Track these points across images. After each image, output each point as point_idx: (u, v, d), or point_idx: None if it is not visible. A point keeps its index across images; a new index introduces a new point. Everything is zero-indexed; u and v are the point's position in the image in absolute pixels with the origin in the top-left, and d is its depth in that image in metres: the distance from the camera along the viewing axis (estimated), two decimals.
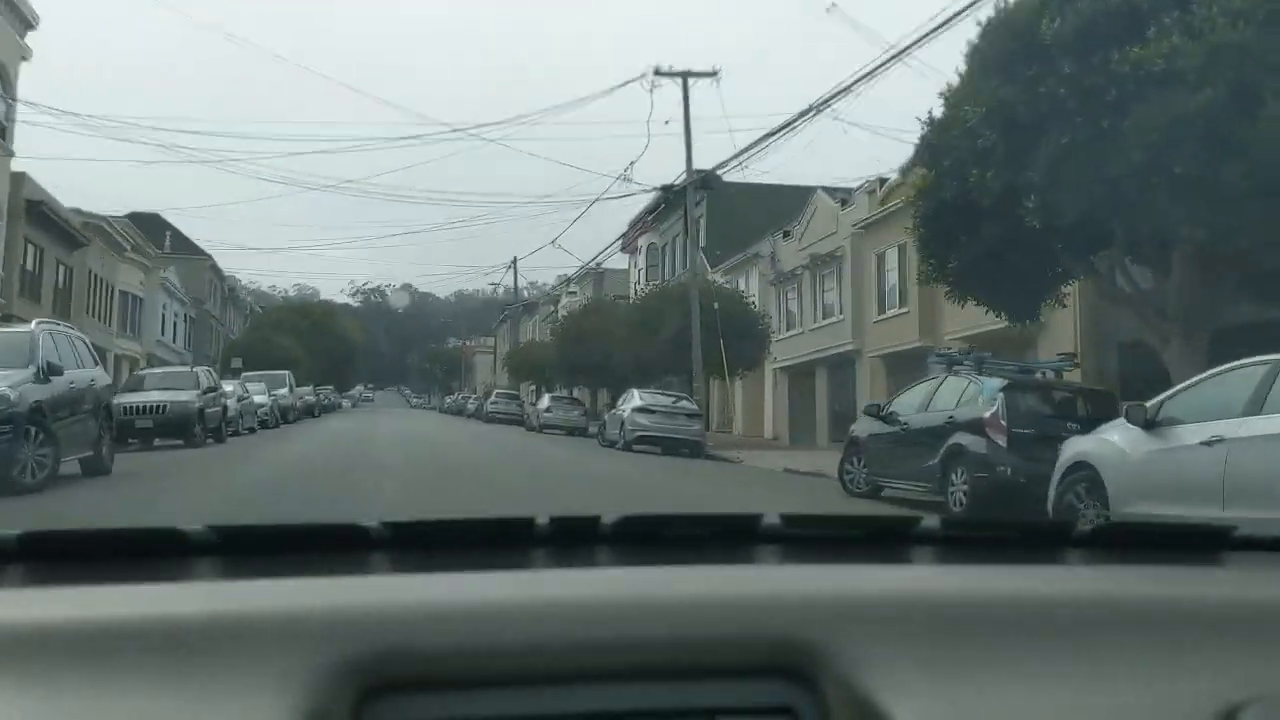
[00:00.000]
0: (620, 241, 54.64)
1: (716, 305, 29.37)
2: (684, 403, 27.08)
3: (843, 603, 0.95)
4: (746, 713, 0.88)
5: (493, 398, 49.66)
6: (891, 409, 14.27)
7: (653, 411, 25.93)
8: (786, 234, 36.33)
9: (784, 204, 37.44)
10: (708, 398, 36.67)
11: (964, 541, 1.22)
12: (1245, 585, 1.11)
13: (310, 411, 47.42)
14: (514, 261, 61.38)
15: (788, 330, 34.38)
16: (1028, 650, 0.92)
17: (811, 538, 1.20)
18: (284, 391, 39.29)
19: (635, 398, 26.76)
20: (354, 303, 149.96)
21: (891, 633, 0.92)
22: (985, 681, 0.89)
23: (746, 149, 26.55)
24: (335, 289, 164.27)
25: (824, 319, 32.75)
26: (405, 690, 0.85)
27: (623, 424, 26.12)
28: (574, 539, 1.14)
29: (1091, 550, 1.20)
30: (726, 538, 1.20)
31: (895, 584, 1.03)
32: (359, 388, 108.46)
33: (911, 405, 13.83)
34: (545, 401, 39.22)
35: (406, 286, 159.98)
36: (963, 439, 12.21)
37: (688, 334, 29.62)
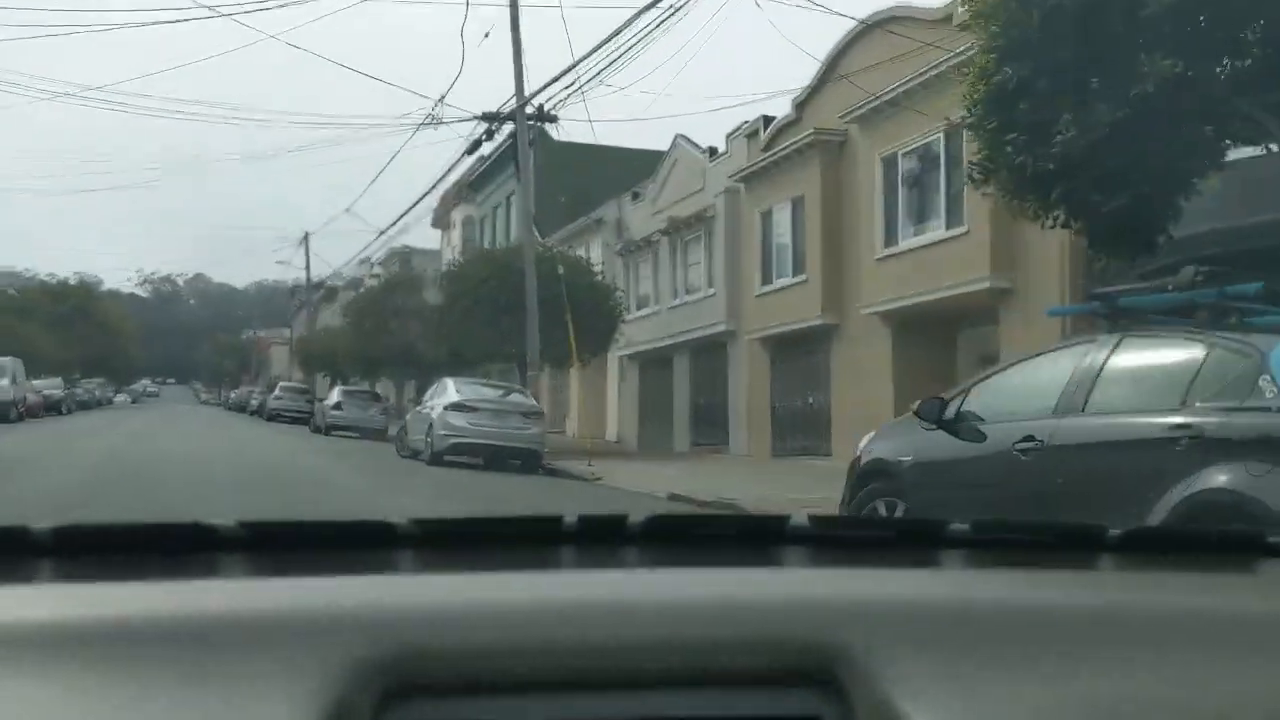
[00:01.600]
0: (431, 210, 47.28)
1: (562, 271, 22.82)
2: (516, 397, 20.39)
3: (873, 607, 0.93)
4: None
5: (276, 392, 41.62)
6: (970, 408, 6.68)
7: (473, 409, 19.14)
8: (636, 196, 30.09)
9: (628, 168, 31.22)
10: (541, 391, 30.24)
11: (997, 545, 1.18)
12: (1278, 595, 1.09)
13: (57, 407, 40.48)
14: (305, 238, 53.10)
15: (638, 310, 28.14)
16: (1059, 658, 0.89)
17: (841, 539, 1.19)
18: (4, 383, 32.15)
19: (449, 390, 19.90)
20: (142, 292, 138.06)
21: (922, 639, 0.89)
22: (1016, 690, 0.86)
23: (585, 62, 19.98)
24: (123, 279, 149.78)
25: (687, 295, 26.62)
26: (429, 692, 0.83)
27: (431, 426, 19.26)
28: (601, 538, 1.12)
29: (1124, 555, 1.17)
30: (755, 539, 1.18)
31: (926, 589, 1.00)
32: (144, 382, 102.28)
33: (1035, 399, 6.41)
34: (334, 396, 31.72)
35: (199, 276, 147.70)
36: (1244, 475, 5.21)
37: (518, 310, 22.96)
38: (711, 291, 25.30)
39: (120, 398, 74.02)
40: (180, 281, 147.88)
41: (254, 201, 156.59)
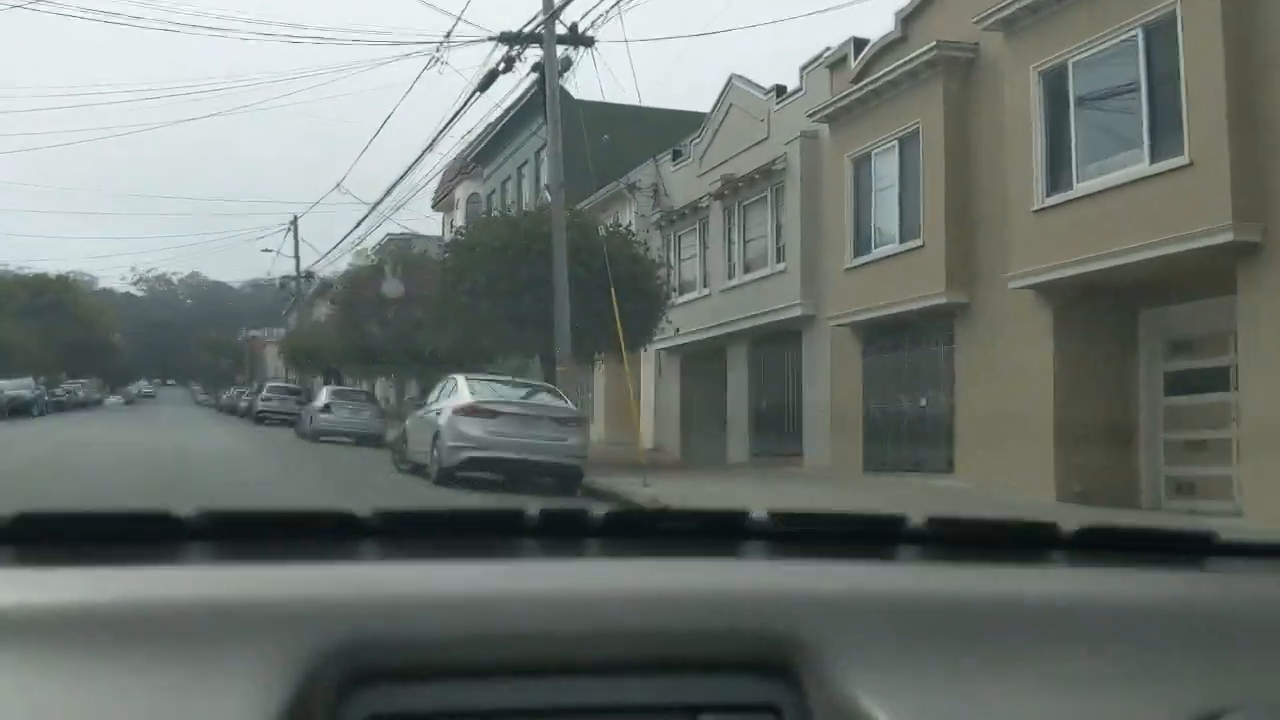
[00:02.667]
0: (434, 195, 42.50)
1: (604, 234, 18.06)
2: (546, 398, 15.56)
3: (829, 600, 0.94)
4: (731, 709, 0.88)
5: (264, 393, 37.04)
6: None
7: (493, 414, 14.34)
8: (678, 154, 25.22)
9: (664, 132, 26.35)
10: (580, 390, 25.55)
11: (952, 540, 1.19)
12: (1229, 590, 1.11)
13: (26, 409, 36.66)
14: (294, 222, 48.23)
15: (680, 295, 23.29)
16: (1012, 651, 0.91)
17: (800, 534, 1.18)
18: None
19: (461, 389, 15.09)
20: (138, 291, 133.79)
21: (877, 631, 0.91)
22: (969, 682, 0.88)
23: None
24: (117, 277, 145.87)
25: (746, 273, 21.75)
26: (390, 679, 0.83)
27: (438, 435, 14.46)
28: (562, 530, 1.13)
29: (1077, 551, 1.19)
30: (715, 532, 1.18)
31: (882, 582, 1.02)
32: (140, 383, 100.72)
33: None
34: (323, 398, 26.90)
35: (194, 274, 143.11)
36: None
37: (543, 289, 18.14)
38: (780, 267, 20.44)
39: (112, 399, 71.25)
40: (175, 279, 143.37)
41: (249, 184, 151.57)
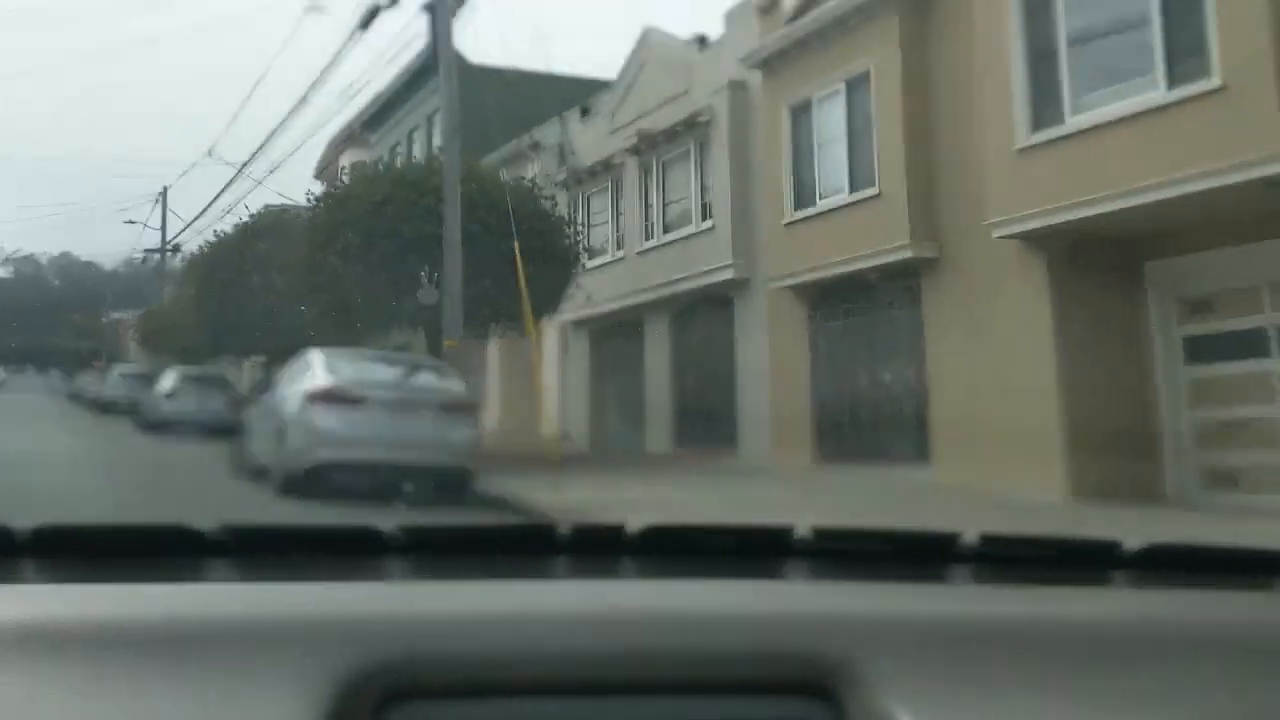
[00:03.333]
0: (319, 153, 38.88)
1: (508, 191, 15.08)
2: (429, 378, 12.48)
3: (872, 622, 0.91)
4: None
5: (111, 379, 32.89)
6: None
7: (355, 400, 11.23)
8: (586, 112, 22.26)
9: (567, 101, 23.31)
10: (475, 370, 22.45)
11: (1001, 560, 1.15)
12: None
13: None
14: (164, 193, 43.84)
15: (590, 259, 20.34)
16: (1061, 677, 0.88)
17: (843, 552, 1.15)
18: None
19: (314, 368, 11.91)
20: (4, 272, 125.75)
21: (920, 654, 0.88)
22: (1015, 709, 0.85)
23: None
24: None
25: (666, 233, 18.92)
26: (423, 696, 0.83)
27: (283, 431, 11.32)
28: (597, 548, 1.11)
29: (1134, 572, 1.14)
30: (756, 551, 1.15)
31: (927, 604, 0.99)
32: None
33: None
34: (168, 382, 23.28)
35: (64, 255, 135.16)
36: None
37: (430, 248, 15.06)
38: (707, 224, 17.65)
39: None
40: (44, 260, 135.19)
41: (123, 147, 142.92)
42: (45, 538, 0.99)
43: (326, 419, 11.07)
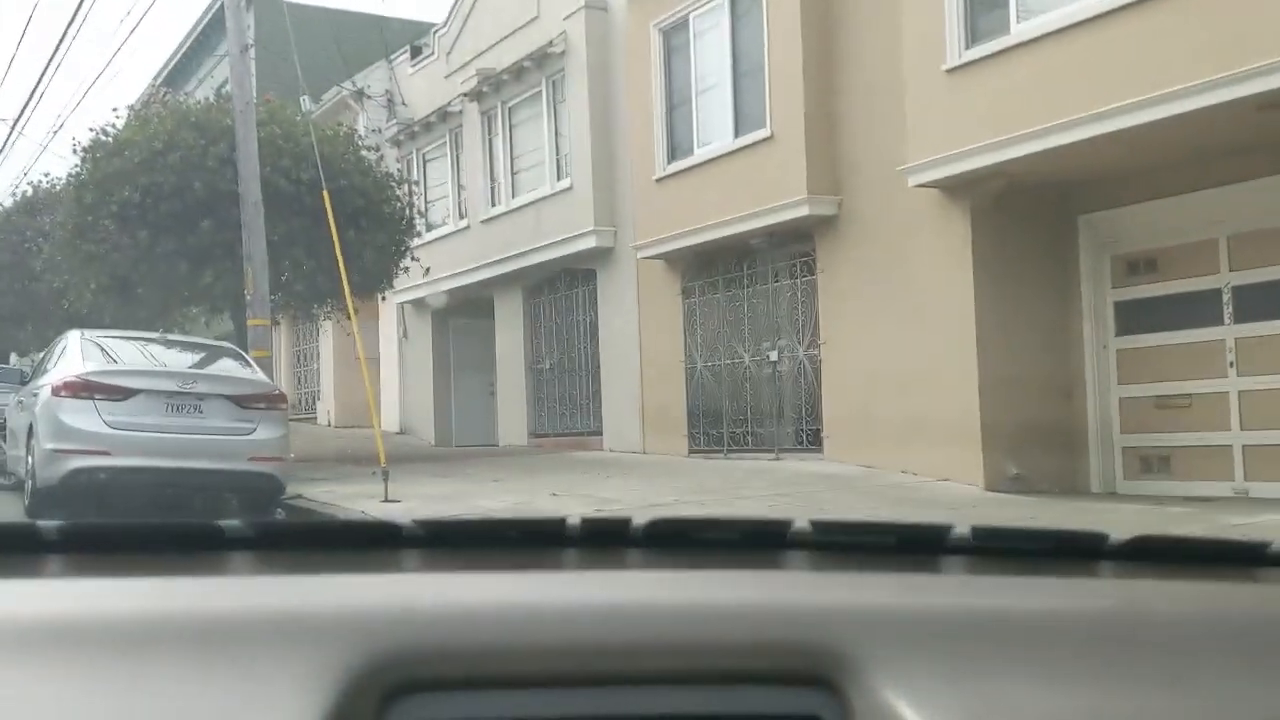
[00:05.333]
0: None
1: (320, 133, 12.61)
2: (224, 366, 9.90)
3: (873, 612, 0.93)
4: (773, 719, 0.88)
5: None
6: None
7: (124, 394, 8.66)
8: (418, 52, 19.63)
9: (395, 42, 20.67)
10: (277, 357, 19.75)
11: (998, 551, 1.16)
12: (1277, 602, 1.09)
13: None
14: None
15: (429, 230, 17.81)
16: (1059, 665, 0.89)
17: (843, 544, 1.16)
18: None
19: (71, 353, 9.24)
20: None
21: (919, 644, 0.89)
22: (1015, 697, 0.86)
23: None
24: None
25: (516, 196, 16.56)
26: (432, 689, 0.84)
27: (32, 432, 8.67)
28: (604, 540, 1.12)
29: (1126, 563, 1.14)
30: (757, 542, 1.16)
31: (927, 594, 1.00)
32: None
33: None
34: None
35: None
36: None
37: (227, 208, 12.39)
38: (564, 184, 15.36)
39: None
40: None
41: None
42: (71, 536, 1.02)
43: (78, 417, 8.46)
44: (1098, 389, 10.26)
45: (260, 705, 0.78)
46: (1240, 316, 9.35)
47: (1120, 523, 7.68)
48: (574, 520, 1.08)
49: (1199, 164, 9.05)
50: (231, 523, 1.03)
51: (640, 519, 1.08)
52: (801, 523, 1.11)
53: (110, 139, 13.74)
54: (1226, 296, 9.48)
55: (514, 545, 1.11)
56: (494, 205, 16.92)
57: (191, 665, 0.81)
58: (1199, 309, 9.66)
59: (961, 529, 1.12)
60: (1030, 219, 10.19)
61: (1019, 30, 9.25)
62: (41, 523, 1.00)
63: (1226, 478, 9.41)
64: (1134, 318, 10.19)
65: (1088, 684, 0.88)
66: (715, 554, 1.11)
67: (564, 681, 0.84)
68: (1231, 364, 9.42)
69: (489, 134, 17.06)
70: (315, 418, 22.60)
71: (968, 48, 9.64)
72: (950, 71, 9.73)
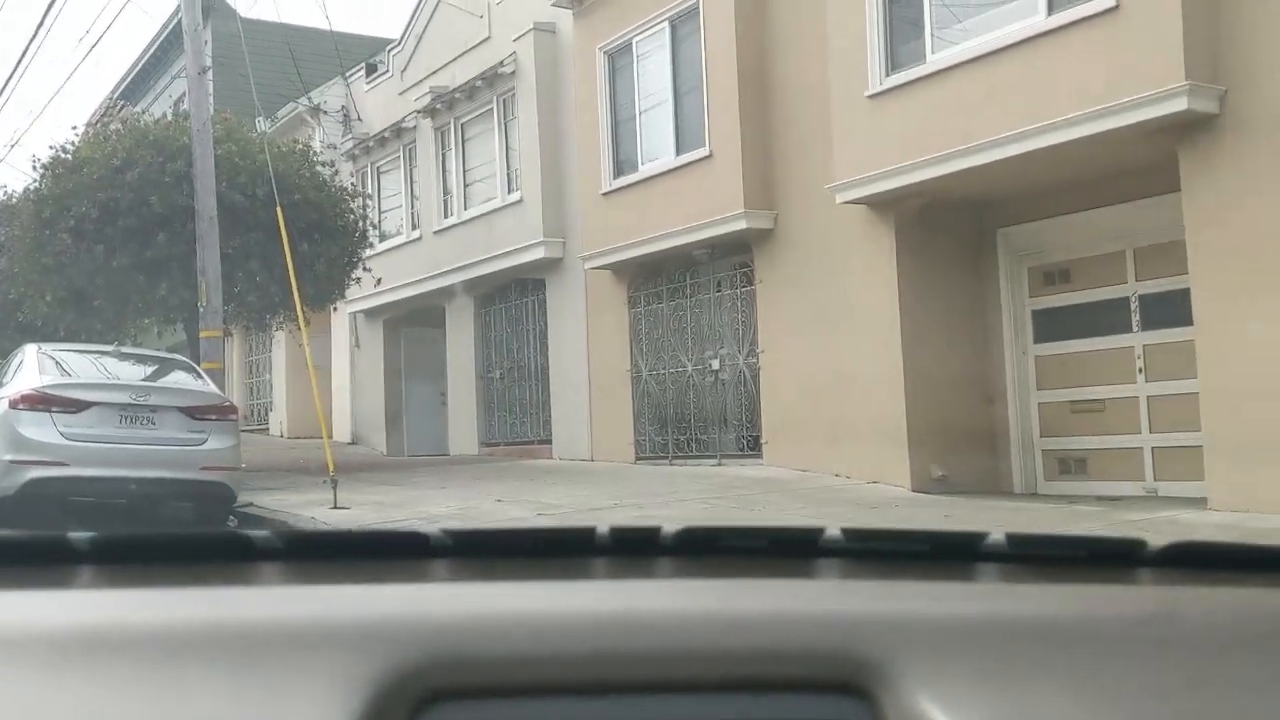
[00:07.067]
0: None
1: (276, 149, 12.89)
2: (177, 378, 10.20)
3: (905, 621, 0.92)
4: None
5: None
6: None
7: (80, 406, 8.95)
8: (373, 69, 19.99)
9: (352, 60, 20.95)
10: (230, 368, 20.03)
11: (1032, 559, 1.14)
12: None
13: None
14: None
15: (382, 240, 18.15)
16: (1094, 674, 0.87)
17: (874, 551, 1.15)
18: None
19: (28, 367, 9.49)
20: None
21: (952, 652, 0.88)
22: (1049, 706, 0.85)
23: None
24: None
25: (468, 208, 16.94)
26: (461, 698, 0.83)
27: None
28: (633, 549, 1.11)
29: (1165, 570, 1.12)
30: (787, 551, 1.15)
31: (960, 602, 0.99)
32: None
33: None
34: None
35: None
36: None
37: (183, 223, 12.68)
38: (515, 197, 15.77)
39: None
40: None
41: None
42: (102, 546, 1.02)
43: (36, 429, 8.74)
44: (1018, 394, 10.80)
45: (291, 716, 0.79)
46: (1147, 324, 9.92)
47: (1034, 522, 8.20)
48: (603, 529, 1.09)
49: (1105, 182, 9.61)
50: (260, 533, 1.04)
51: (670, 527, 1.09)
52: (833, 530, 1.11)
53: (69, 155, 13.97)
54: (1134, 305, 10.05)
55: (542, 554, 1.11)
56: (446, 217, 17.28)
57: (222, 676, 0.81)
58: (1110, 317, 10.22)
59: (996, 536, 1.11)
60: (951, 233, 10.72)
61: (934, 59, 9.79)
62: (72, 534, 1.02)
63: (1138, 478, 9.96)
64: (1051, 325, 10.74)
65: (1123, 693, 0.86)
66: (745, 562, 1.11)
67: (594, 689, 0.84)
68: (1140, 370, 9.98)
69: (442, 149, 17.43)
70: (268, 428, 22.79)
71: (888, 75, 10.17)
72: (872, 97, 10.26)
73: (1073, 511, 8.76)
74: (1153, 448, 9.90)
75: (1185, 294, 8.67)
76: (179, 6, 14.11)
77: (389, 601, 0.91)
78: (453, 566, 1.07)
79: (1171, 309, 9.42)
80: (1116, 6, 8.41)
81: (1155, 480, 9.82)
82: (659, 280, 13.58)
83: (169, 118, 14.89)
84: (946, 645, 0.88)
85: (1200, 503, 8.43)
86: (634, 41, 13.38)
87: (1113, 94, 8.35)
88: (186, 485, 9.05)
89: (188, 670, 0.81)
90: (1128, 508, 8.90)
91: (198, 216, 12.15)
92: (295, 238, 12.28)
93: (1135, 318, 10.04)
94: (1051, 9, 8.94)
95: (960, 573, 1.10)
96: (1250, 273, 8.05)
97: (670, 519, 8.48)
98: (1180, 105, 8.06)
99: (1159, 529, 7.61)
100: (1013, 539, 1.10)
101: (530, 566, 1.06)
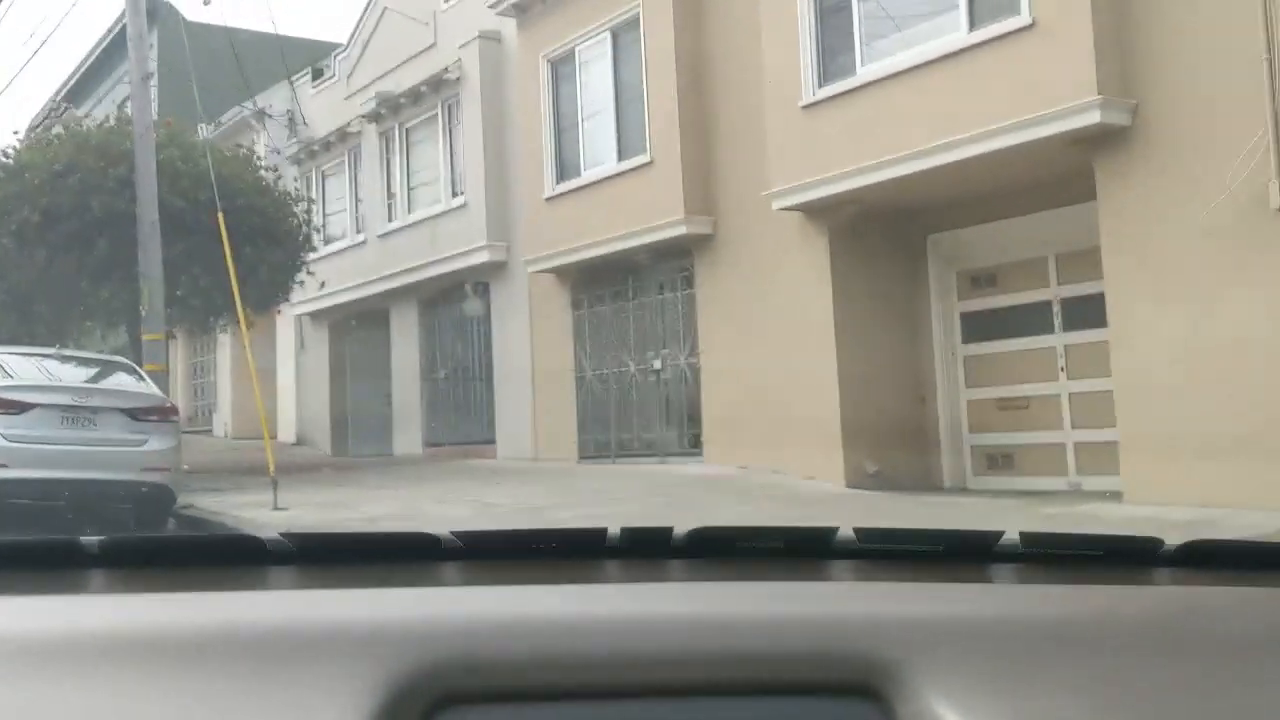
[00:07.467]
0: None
1: (219, 154, 12.96)
2: (119, 380, 10.24)
3: (920, 621, 0.91)
4: None
5: None
6: None
7: (20, 408, 8.99)
8: (319, 74, 20.02)
9: (301, 61, 20.96)
10: (174, 370, 19.90)
11: (1048, 558, 1.14)
12: None
13: None
14: None
15: (327, 244, 18.19)
16: (1110, 674, 0.87)
17: (887, 553, 1.15)
18: None
19: None
20: None
21: (967, 653, 0.88)
22: (1064, 706, 0.84)
23: None
24: None
25: (413, 212, 17.05)
26: (475, 701, 0.83)
27: None
28: (646, 551, 1.11)
29: (1178, 569, 1.12)
30: (801, 552, 1.15)
31: (975, 602, 0.98)
32: None
33: None
34: None
35: None
36: None
37: (124, 227, 12.69)
38: (459, 201, 15.92)
39: None
40: None
41: None
42: (112, 550, 1.02)
43: None
44: (948, 392, 11.16)
45: (305, 719, 0.78)
46: (1068, 326, 10.32)
47: (959, 516, 8.52)
48: (615, 531, 1.08)
49: (1029, 191, 9.99)
50: (273, 536, 1.04)
51: (682, 528, 1.08)
52: (846, 530, 1.11)
53: (10, 160, 13.91)
54: (1056, 308, 10.44)
55: (555, 556, 1.11)
56: (391, 220, 17.38)
57: (236, 679, 0.81)
58: (1034, 319, 10.61)
59: (1010, 536, 1.10)
60: (884, 238, 11.06)
61: (864, 72, 10.12)
62: (84, 538, 1.03)
63: (1061, 473, 10.35)
64: (979, 327, 11.11)
65: (1139, 692, 0.86)
66: (758, 563, 1.11)
67: (607, 693, 0.84)
68: (1063, 369, 10.38)
69: (387, 153, 17.52)
70: (212, 430, 22.69)
71: (820, 86, 10.49)
72: (806, 108, 10.57)
73: (997, 505, 9.11)
74: (1074, 443, 10.29)
75: (1103, 297, 9.06)
76: (124, 12, 14.12)
77: (401, 605, 0.90)
78: (464, 569, 1.06)
79: (1090, 311, 9.80)
80: (1033, 24, 8.79)
81: (1078, 475, 10.20)
82: (602, 283, 13.81)
83: (112, 122, 14.87)
84: (961, 647, 0.87)
85: (1118, 496, 8.80)
86: (577, 50, 13.59)
87: (1031, 107, 8.72)
88: (127, 486, 9.11)
89: (203, 674, 0.81)
90: (1050, 501, 9.26)
91: (139, 221, 12.17)
92: (238, 242, 12.35)
93: (1057, 320, 10.43)
94: (973, 25, 9.31)
95: (974, 573, 1.09)
96: (1160, 277, 8.45)
97: (609, 517, 8.71)
98: (1093, 118, 8.45)
99: (1078, 522, 7.96)
100: (1027, 538, 1.10)
101: (542, 569, 1.06)
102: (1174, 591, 1.08)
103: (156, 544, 1.08)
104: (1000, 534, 1.10)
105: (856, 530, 1.10)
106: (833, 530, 1.11)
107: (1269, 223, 7.89)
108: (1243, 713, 0.85)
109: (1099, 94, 8.38)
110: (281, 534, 1.04)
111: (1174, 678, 0.86)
